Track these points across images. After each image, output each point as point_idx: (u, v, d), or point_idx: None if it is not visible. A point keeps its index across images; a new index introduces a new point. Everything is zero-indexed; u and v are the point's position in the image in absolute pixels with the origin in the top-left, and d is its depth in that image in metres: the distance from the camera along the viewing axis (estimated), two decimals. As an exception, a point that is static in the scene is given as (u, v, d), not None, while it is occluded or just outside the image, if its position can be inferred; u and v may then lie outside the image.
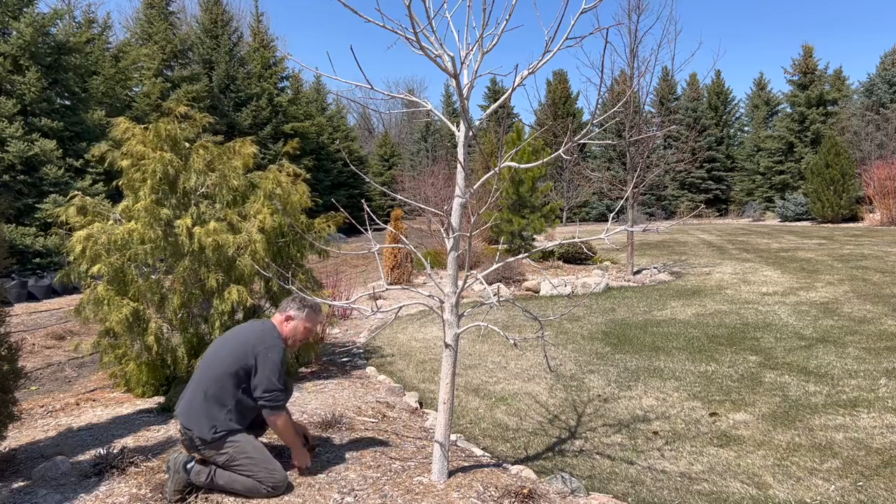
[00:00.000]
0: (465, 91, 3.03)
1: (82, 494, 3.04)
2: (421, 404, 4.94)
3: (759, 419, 4.40)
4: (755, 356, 5.98)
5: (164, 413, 4.41)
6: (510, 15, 3.00)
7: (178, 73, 22.88)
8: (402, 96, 3.61)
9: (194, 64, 24.91)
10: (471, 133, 3.11)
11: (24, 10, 13.42)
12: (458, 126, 3.21)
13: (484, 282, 3.47)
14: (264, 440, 3.49)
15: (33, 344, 7.31)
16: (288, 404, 3.25)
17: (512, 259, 3.74)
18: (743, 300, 8.84)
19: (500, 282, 10.48)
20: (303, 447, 3.28)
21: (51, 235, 12.12)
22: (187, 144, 4.96)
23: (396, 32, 2.87)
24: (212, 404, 3.04)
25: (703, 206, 33.46)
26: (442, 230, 3.31)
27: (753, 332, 6.91)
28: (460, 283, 3.15)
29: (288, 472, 3.16)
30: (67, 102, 14.67)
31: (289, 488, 3.07)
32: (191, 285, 4.62)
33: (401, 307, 3.50)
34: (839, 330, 6.80)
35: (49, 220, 12.15)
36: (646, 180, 11.53)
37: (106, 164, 4.99)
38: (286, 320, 3.25)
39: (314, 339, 5.58)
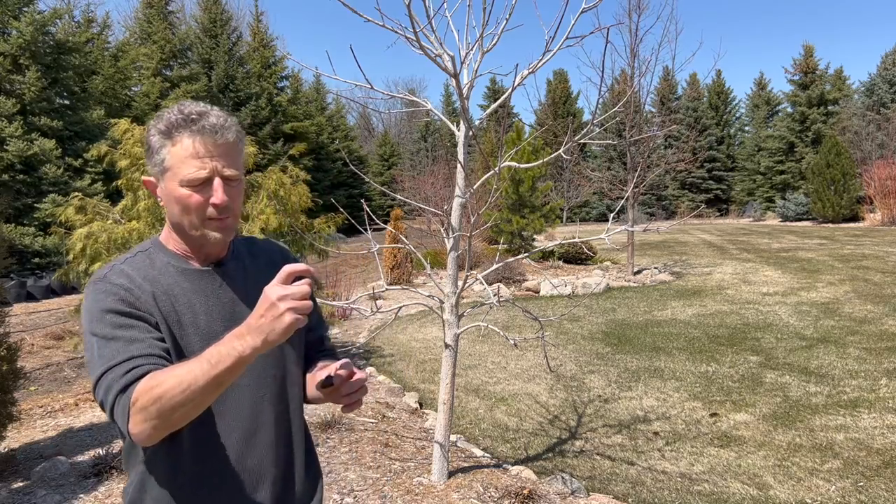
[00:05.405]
0: (465, 91, 3.02)
1: (81, 495, 3.03)
2: (421, 405, 4.93)
3: (759, 419, 4.39)
4: (756, 356, 5.97)
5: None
6: (510, 14, 2.99)
7: (178, 72, 22.85)
8: (402, 96, 3.60)
9: (193, 63, 24.86)
10: (471, 133, 3.10)
11: (24, 9, 13.41)
12: (458, 126, 3.21)
13: (484, 282, 3.46)
14: None
15: (32, 344, 7.30)
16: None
17: (512, 259, 3.73)
18: (743, 300, 8.83)
19: (501, 282, 10.47)
20: None
21: (50, 235, 12.09)
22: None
23: (396, 32, 2.87)
24: None
25: (703, 205, 33.42)
26: (442, 230, 3.30)
27: (754, 333, 6.90)
28: (460, 283, 3.15)
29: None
30: (67, 102, 14.65)
31: None
32: (190, 285, 4.61)
33: (401, 307, 3.49)
34: (840, 330, 6.79)
35: (48, 220, 12.14)
36: (646, 180, 11.53)
37: (105, 164, 4.98)
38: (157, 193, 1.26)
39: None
